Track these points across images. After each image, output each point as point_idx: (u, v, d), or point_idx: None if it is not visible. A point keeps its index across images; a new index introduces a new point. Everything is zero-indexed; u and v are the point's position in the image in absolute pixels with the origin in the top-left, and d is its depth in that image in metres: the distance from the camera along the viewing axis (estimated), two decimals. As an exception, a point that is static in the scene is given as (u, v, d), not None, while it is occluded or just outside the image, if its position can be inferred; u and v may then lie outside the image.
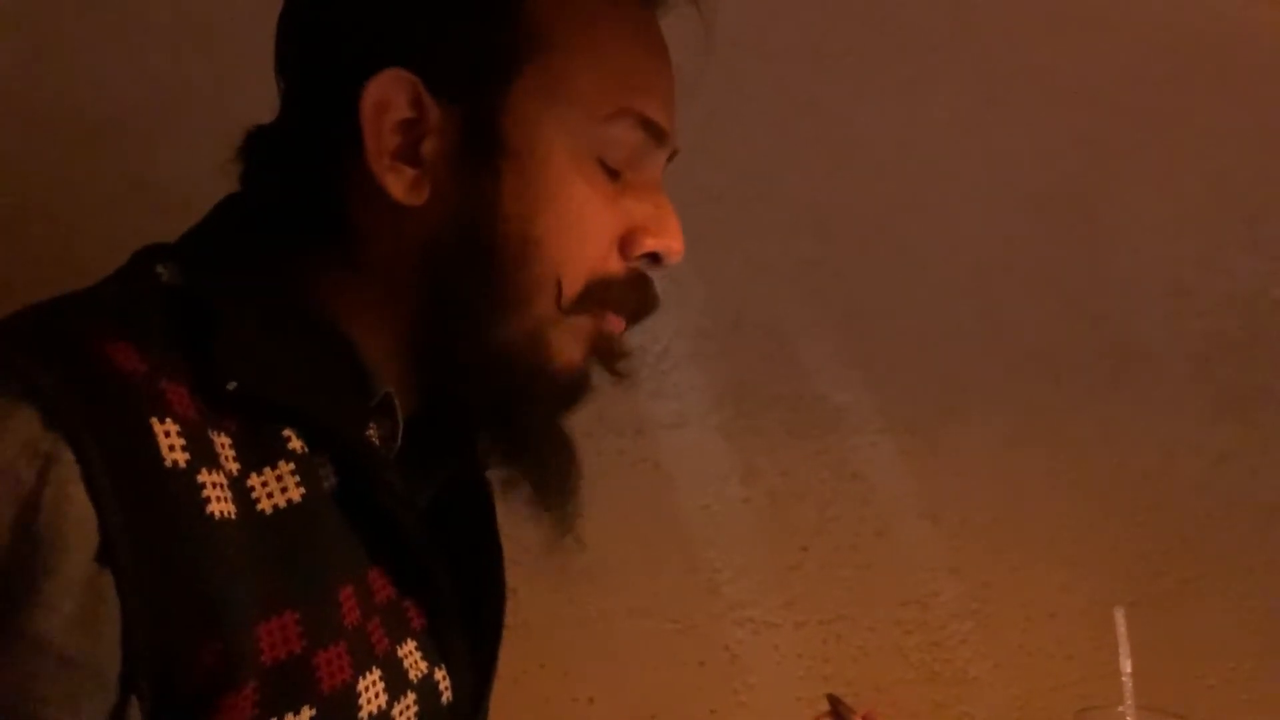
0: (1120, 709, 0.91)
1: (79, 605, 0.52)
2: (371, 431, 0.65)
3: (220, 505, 0.56)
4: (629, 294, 0.68)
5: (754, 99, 1.38)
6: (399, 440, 0.67)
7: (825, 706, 0.99)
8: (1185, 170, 1.48)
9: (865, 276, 1.41)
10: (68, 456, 0.52)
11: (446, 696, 0.66)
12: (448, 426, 0.70)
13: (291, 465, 0.59)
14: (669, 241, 0.68)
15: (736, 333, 1.38)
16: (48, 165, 1.26)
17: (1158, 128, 1.47)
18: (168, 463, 0.55)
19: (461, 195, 0.63)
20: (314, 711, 0.57)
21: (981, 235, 1.44)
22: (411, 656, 0.64)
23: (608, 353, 0.69)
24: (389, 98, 0.63)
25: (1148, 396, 1.46)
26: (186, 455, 0.56)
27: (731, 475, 1.40)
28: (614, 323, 0.69)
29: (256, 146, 0.68)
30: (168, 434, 0.55)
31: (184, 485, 0.55)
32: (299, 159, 0.66)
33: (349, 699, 0.60)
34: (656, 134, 0.67)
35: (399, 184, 0.63)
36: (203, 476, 0.56)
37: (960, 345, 1.44)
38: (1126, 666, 0.91)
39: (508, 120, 0.63)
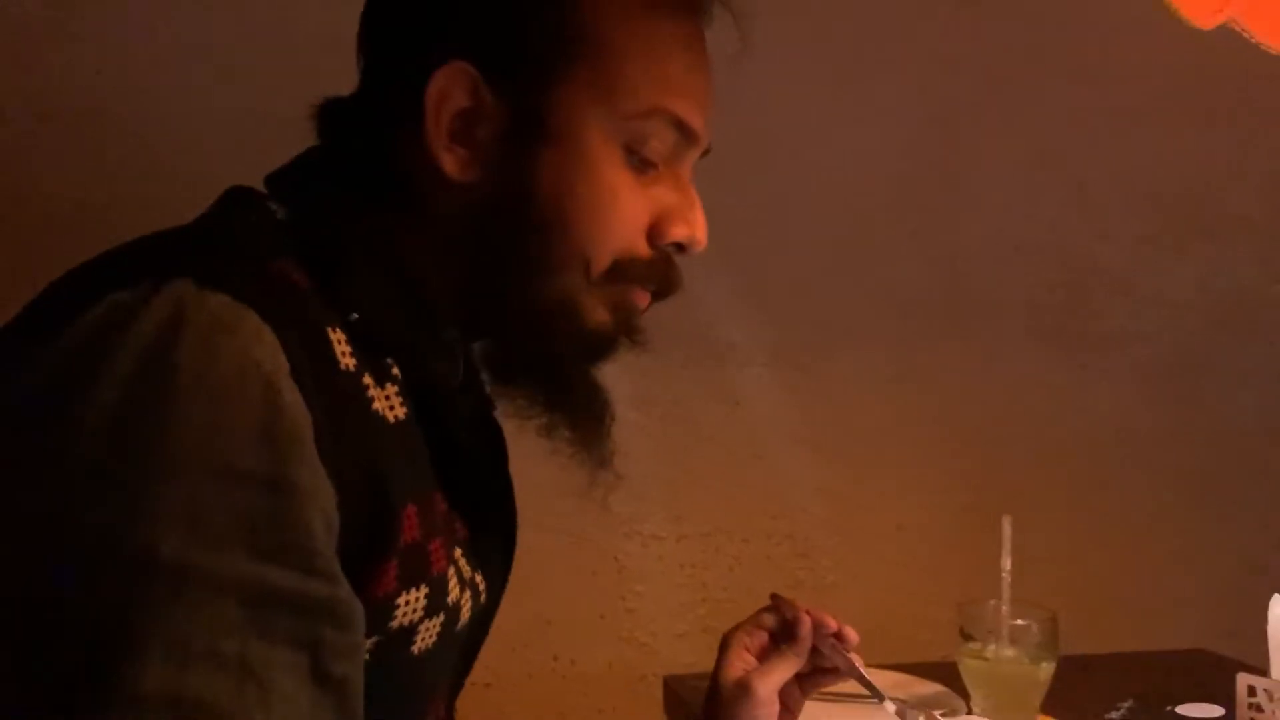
0: (994, 601, 1.08)
1: (325, 482, 0.59)
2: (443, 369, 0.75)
3: (379, 405, 0.65)
4: (654, 273, 0.75)
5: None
6: (460, 376, 0.77)
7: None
8: (1030, 140, 1.65)
9: (758, 225, 1.53)
10: (281, 356, 0.58)
11: (483, 598, 0.76)
12: (472, 368, 0.79)
13: (395, 388, 0.67)
14: (693, 231, 0.76)
15: (640, 272, 1.48)
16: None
17: (1010, 101, 1.64)
18: (342, 365, 0.63)
19: (507, 174, 0.71)
20: (428, 590, 0.67)
21: (859, 193, 1.59)
22: (461, 561, 0.73)
23: (629, 322, 0.76)
24: (450, 89, 0.70)
25: (996, 341, 1.65)
26: (354, 360, 0.64)
27: (627, 401, 1.49)
28: (640, 296, 0.76)
29: (334, 113, 0.76)
30: (339, 341, 0.64)
31: (356, 385, 0.64)
32: (372, 130, 0.73)
33: (445, 584, 0.69)
34: (688, 134, 0.75)
35: (453, 162, 0.71)
36: (366, 379, 0.65)
37: (839, 291, 1.59)
38: (1006, 564, 1.07)
39: (553, 111, 0.71)
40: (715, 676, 0.90)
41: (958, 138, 1.62)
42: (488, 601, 0.77)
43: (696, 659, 1.39)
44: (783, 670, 0.88)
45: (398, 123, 0.72)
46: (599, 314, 0.74)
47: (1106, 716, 1.14)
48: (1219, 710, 1.13)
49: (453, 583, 0.70)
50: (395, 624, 0.66)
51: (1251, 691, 0.98)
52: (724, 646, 0.91)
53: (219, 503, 0.55)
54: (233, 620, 0.54)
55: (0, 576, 0.55)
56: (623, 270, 0.74)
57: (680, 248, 0.76)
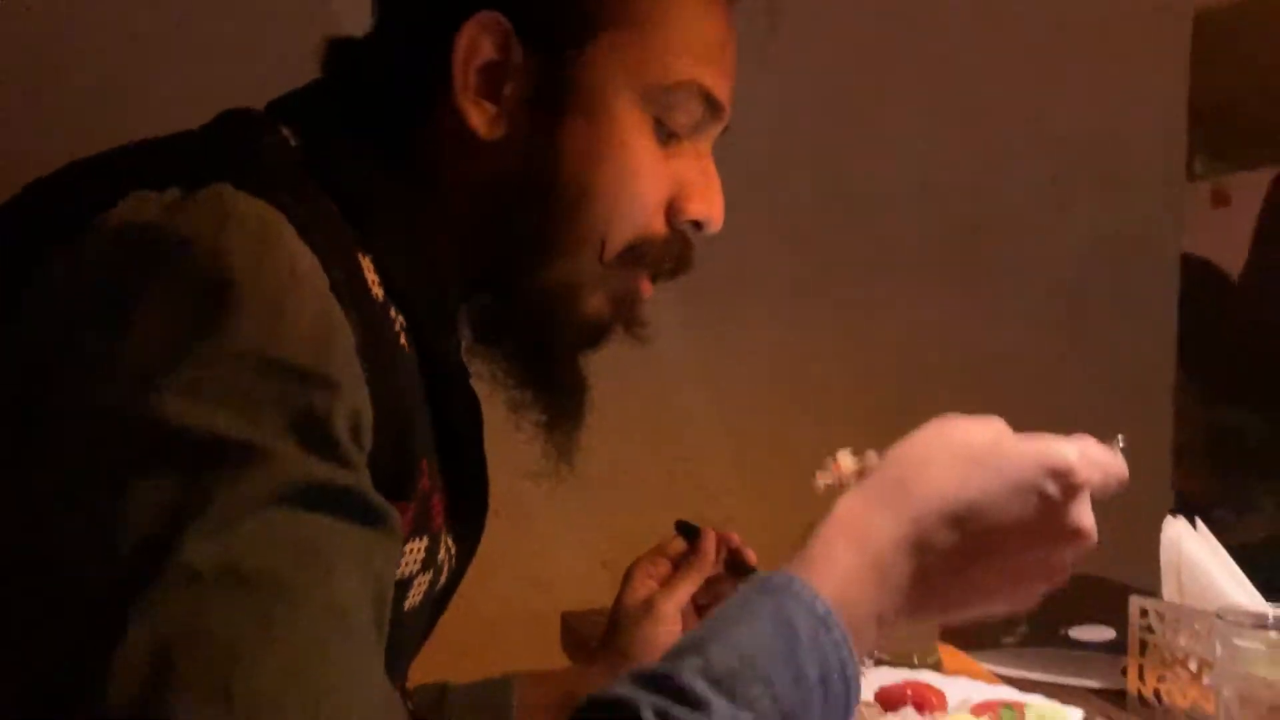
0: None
1: (367, 396, 0.55)
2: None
3: (405, 339, 0.62)
4: (667, 253, 0.73)
5: None
6: (459, 345, 0.74)
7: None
8: (934, 81, 1.66)
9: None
10: (321, 272, 0.55)
11: (454, 564, 0.73)
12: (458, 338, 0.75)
13: (403, 337, 0.64)
14: (711, 210, 0.73)
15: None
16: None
17: (918, 46, 1.64)
18: (374, 294, 0.60)
19: (532, 136, 0.68)
20: (427, 543, 0.65)
21: (766, 134, 1.56)
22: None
23: (629, 312, 0.74)
24: (481, 39, 0.66)
25: (898, 276, 1.66)
26: (382, 291, 0.61)
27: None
28: (646, 285, 0.74)
29: (345, 53, 0.71)
30: (369, 269, 0.60)
31: (385, 315, 0.61)
32: (389, 75, 0.69)
33: (439, 540, 0.67)
34: (714, 107, 0.72)
35: (480, 117, 0.67)
36: (393, 312, 0.62)
37: (745, 230, 1.50)
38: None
39: (582, 75, 0.68)
40: (616, 602, 0.89)
41: (863, 79, 1.62)
42: (456, 569, 0.74)
43: (595, 596, 1.38)
44: (686, 585, 0.88)
45: (417, 70, 0.68)
46: (597, 302, 0.72)
47: (1003, 640, 1.16)
48: (1110, 633, 1.15)
49: (445, 540, 0.68)
50: (399, 573, 0.63)
51: (1143, 614, 0.99)
52: (627, 575, 0.91)
53: (273, 393, 0.52)
54: (292, 500, 0.51)
55: (53, 469, 0.51)
56: (637, 253, 0.71)
57: (697, 225, 0.73)
